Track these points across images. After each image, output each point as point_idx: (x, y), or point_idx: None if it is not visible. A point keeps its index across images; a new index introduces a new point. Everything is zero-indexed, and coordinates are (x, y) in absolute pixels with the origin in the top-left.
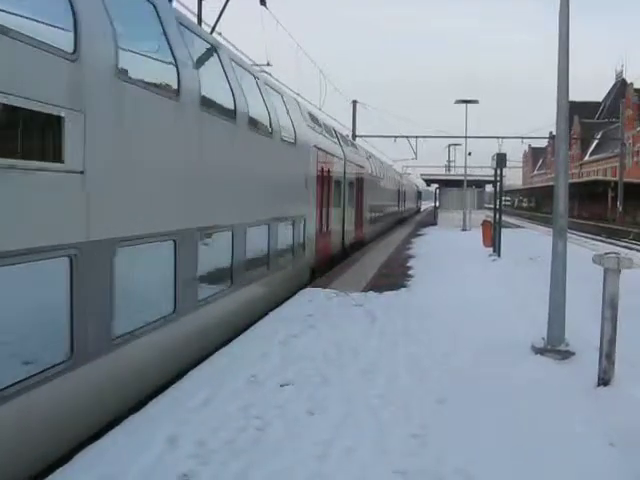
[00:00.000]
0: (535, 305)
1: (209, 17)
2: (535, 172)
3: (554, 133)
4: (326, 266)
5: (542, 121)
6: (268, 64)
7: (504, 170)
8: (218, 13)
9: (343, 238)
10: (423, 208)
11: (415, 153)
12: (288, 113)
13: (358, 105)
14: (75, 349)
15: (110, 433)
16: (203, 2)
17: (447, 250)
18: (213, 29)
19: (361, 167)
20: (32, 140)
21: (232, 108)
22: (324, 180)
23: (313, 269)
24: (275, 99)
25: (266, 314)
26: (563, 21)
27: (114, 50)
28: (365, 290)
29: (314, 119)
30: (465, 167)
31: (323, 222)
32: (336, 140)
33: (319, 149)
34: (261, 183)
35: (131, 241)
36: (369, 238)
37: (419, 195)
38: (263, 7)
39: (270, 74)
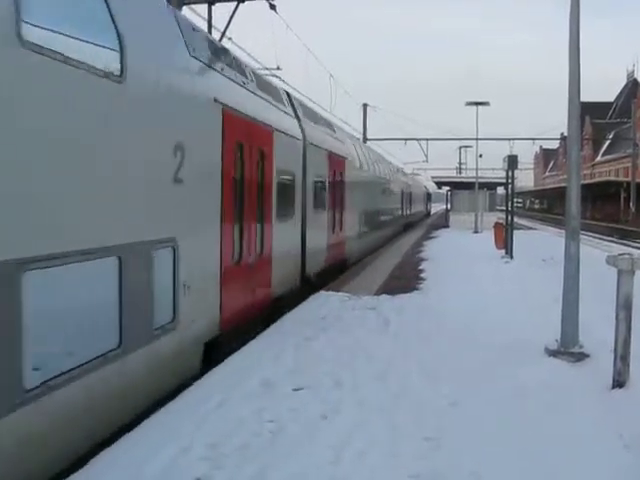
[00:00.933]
0: (548, 307)
1: (219, 23)
2: (547, 173)
3: (565, 134)
4: (259, 324)
5: (553, 122)
6: (278, 68)
7: (515, 172)
8: (228, 18)
9: (303, 264)
10: (434, 211)
11: (426, 155)
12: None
13: (369, 108)
14: None
15: (124, 437)
16: (213, 8)
17: (459, 252)
18: (223, 34)
19: (340, 157)
20: None
21: None
22: (248, 170)
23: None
24: None
25: None
26: (574, 21)
27: None
28: (378, 293)
29: (220, 52)
30: (476, 169)
31: (244, 245)
32: (288, 109)
33: (232, 111)
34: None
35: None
36: (357, 255)
37: (428, 197)
38: (273, 12)
39: (280, 78)
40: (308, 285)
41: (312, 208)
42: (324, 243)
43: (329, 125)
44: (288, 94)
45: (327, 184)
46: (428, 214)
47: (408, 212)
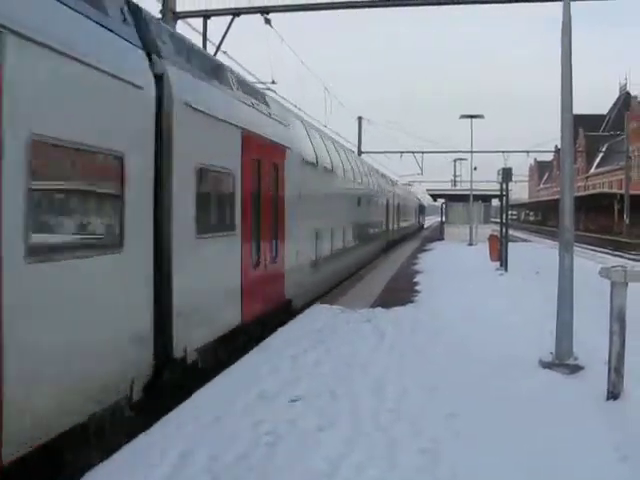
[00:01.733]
0: (543, 319)
1: (214, 36)
2: (541, 186)
3: (559, 146)
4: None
5: (548, 134)
6: (273, 82)
7: (510, 184)
8: (223, 33)
9: (164, 340)
10: (429, 224)
11: (421, 168)
12: None
13: (363, 121)
14: None
15: (124, 449)
16: (208, 22)
17: (454, 265)
18: (218, 48)
19: (275, 145)
20: None
21: None
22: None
23: None
24: None
25: None
26: (565, 34)
27: None
28: (373, 306)
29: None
30: (471, 182)
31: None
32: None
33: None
34: None
35: None
36: (311, 292)
37: (421, 210)
38: (268, 26)
39: (275, 92)
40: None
41: (190, 229)
42: (233, 285)
43: (251, 92)
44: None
45: (239, 185)
46: (421, 227)
47: (395, 226)
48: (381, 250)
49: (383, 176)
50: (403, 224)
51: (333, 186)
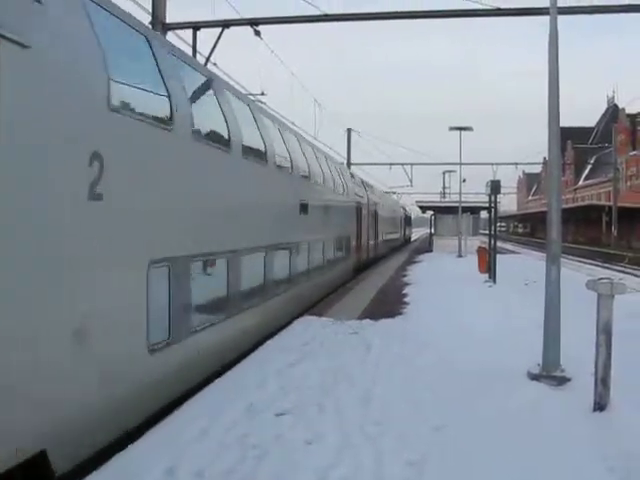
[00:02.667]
0: (531, 331)
1: (203, 48)
2: (530, 197)
3: (548, 158)
4: None
5: (536, 147)
6: (262, 94)
7: (499, 196)
8: (212, 44)
9: None
10: (417, 236)
11: (410, 180)
12: None
13: (353, 134)
14: None
15: (107, 464)
16: (198, 33)
17: (443, 277)
18: (207, 59)
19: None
20: None
21: None
22: None
23: None
24: None
25: None
26: (552, 46)
27: None
28: (361, 318)
29: None
30: (460, 193)
31: None
32: None
33: None
34: None
35: None
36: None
37: (407, 221)
38: (257, 37)
39: (265, 103)
40: None
41: None
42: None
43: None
44: None
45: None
46: (407, 241)
47: (371, 242)
48: (348, 275)
49: (353, 177)
50: (384, 238)
51: (280, 195)
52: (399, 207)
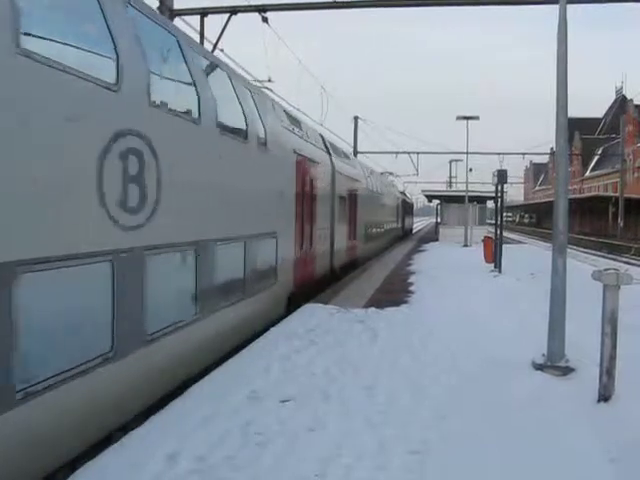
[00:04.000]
0: (536, 321)
1: (211, 34)
2: (537, 188)
3: (555, 149)
4: None
5: (544, 136)
6: (269, 80)
7: (506, 186)
8: (220, 31)
9: None
10: (422, 226)
11: (416, 169)
12: None
13: (360, 121)
14: None
15: (109, 450)
16: (205, 19)
17: (449, 266)
18: (215, 46)
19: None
20: None
21: None
22: None
23: None
24: None
25: None
26: (562, 37)
27: None
28: (366, 306)
29: None
30: (467, 183)
31: None
32: None
33: None
34: None
35: None
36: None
37: (409, 210)
38: (265, 24)
39: (272, 90)
40: None
41: None
42: None
43: None
44: None
45: None
46: (409, 231)
47: (344, 242)
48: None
49: (345, 153)
50: (368, 232)
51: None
52: (397, 192)
